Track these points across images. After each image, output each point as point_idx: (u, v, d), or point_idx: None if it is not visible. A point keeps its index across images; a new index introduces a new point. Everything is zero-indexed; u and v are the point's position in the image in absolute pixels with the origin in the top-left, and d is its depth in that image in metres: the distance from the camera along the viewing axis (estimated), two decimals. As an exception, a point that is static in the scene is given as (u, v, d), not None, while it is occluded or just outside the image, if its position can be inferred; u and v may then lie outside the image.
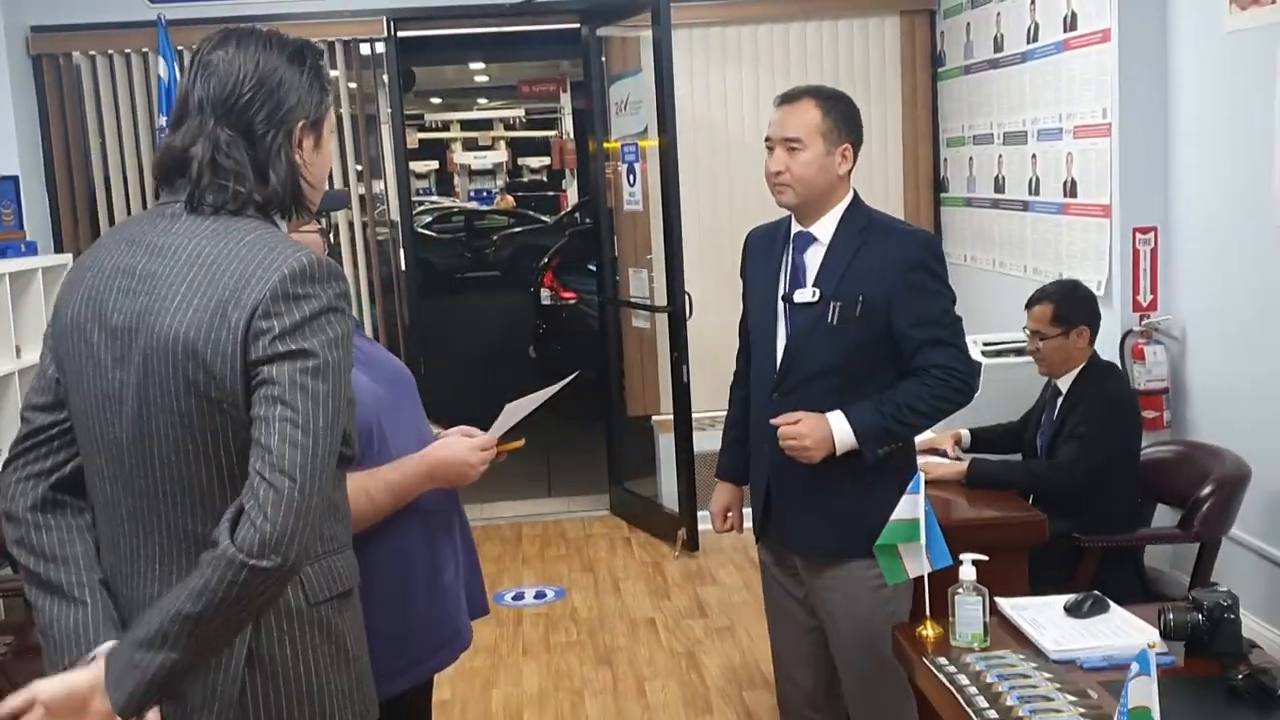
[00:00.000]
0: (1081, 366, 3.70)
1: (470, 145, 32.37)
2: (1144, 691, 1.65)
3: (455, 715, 4.18)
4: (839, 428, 2.78)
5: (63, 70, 5.96)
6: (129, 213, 5.97)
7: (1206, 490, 3.63)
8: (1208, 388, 4.36)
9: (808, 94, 2.87)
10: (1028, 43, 5.21)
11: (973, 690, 2.25)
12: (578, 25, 6.31)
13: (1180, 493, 3.74)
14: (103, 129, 6.02)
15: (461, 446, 2.30)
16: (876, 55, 6.37)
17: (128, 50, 5.94)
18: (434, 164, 33.17)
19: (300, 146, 1.73)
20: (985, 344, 4.66)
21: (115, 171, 6.03)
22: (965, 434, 3.88)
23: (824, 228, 2.89)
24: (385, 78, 6.27)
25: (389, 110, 6.24)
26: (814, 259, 2.89)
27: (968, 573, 2.50)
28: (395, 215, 6.37)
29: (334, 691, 1.72)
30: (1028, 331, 3.76)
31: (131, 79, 6.00)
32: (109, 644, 1.67)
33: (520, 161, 31.39)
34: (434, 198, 29.93)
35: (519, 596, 5.28)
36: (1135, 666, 1.67)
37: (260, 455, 1.57)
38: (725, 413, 3.22)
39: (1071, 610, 2.57)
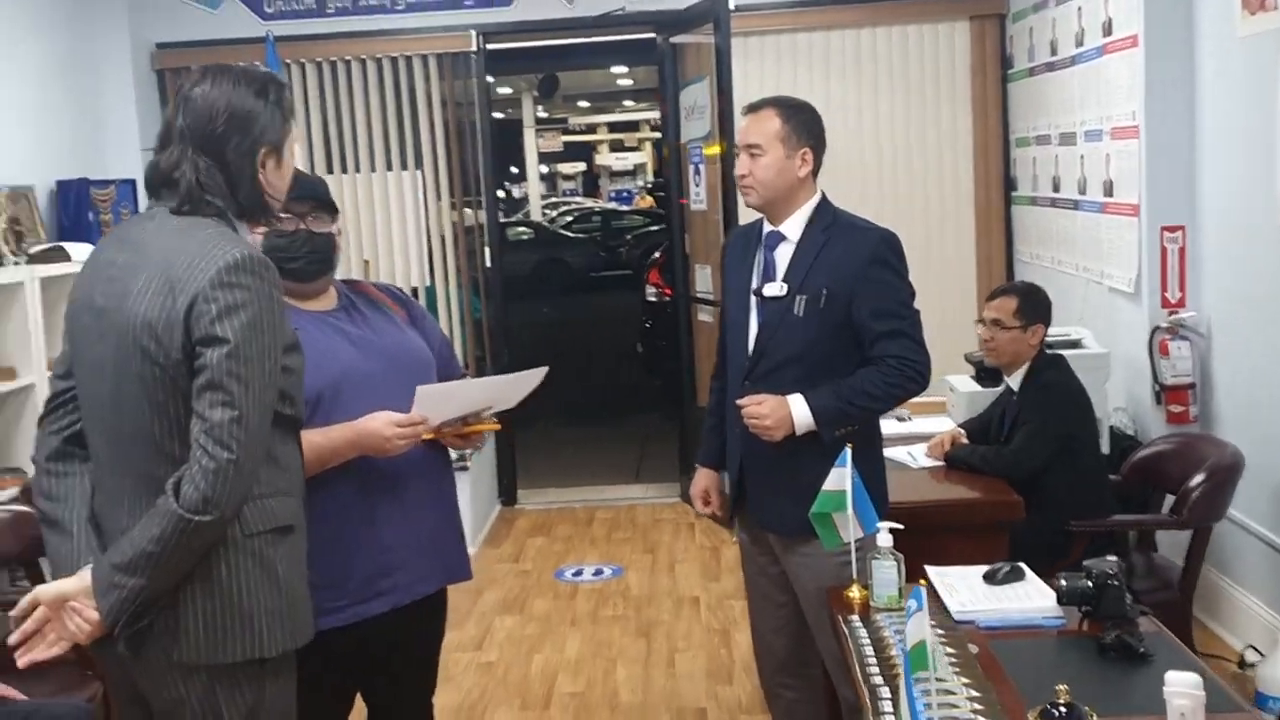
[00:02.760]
0: (1029, 365, 3.88)
1: (616, 147, 32.95)
2: (920, 627, 1.87)
3: (499, 675, 4.54)
4: (798, 409, 3.02)
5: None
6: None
7: (1198, 479, 3.76)
8: (1232, 382, 4.43)
9: (769, 104, 3.12)
10: (1076, 47, 5.32)
11: (866, 644, 2.49)
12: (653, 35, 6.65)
13: (1179, 481, 3.88)
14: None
15: (380, 421, 2.51)
16: (946, 59, 6.51)
17: (241, 64, 6.41)
18: (581, 165, 33.90)
19: (264, 167, 2.12)
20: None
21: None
22: (961, 432, 4.04)
23: (792, 227, 3.14)
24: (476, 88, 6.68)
25: (477, 119, 6.66)
26: (784, 256, 3.14)
27: (884, 540, 2.72)
28: (483, 219, 6.79)
29: (264, 610, 2.07)
30: (986, 320, 3.93)
31: (244, 91, 6.52)
32: (89, 566, 2.06)
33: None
34: (579, 198, 30.58)
35: (579, 573, 5.62)
36: (913, 604, 1.90)
37: (201, 426, 1.96)
38: None
39: (988, 577, 2.78)
